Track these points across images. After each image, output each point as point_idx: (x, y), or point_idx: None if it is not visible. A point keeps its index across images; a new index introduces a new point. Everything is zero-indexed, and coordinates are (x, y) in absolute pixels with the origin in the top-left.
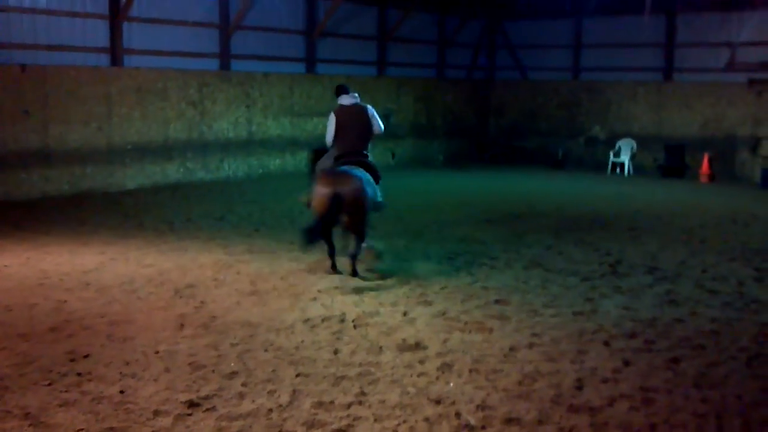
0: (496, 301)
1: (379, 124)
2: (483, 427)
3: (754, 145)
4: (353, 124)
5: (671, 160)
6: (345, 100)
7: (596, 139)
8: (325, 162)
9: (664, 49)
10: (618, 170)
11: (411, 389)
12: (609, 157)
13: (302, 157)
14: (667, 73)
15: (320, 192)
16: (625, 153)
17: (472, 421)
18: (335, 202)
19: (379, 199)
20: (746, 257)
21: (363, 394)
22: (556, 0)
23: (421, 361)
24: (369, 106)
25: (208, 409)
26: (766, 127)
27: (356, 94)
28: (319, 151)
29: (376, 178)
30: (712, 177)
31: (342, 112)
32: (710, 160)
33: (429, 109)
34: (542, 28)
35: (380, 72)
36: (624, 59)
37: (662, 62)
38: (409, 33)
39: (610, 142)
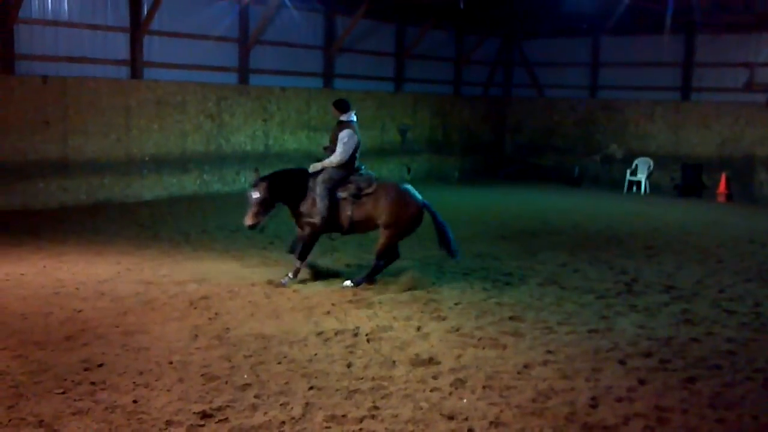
0: (511, 318)
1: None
2: None
3: None
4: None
5: (688, 179)
6: (342, 116)
7: (613, 157)
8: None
9: (682, 68)
10: (635, 189)
11: (424, 404)
12: (626, 176)
13: None
14: (685, 92)
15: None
16: (641, 171)
17: None
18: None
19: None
20: (763, 277)
21: (376, 408)
22: (573, 18)
23: (435, 377)
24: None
25: (220, 420)
26: None
27: (349, 113)
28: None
29: None
30: (729, 197)
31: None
32: (728, 180)
33: (445, 126)
34: (559, 47)
35: (398, 88)
36: (642, 78)
37: (680, 81)
38: (427, 50)
39: (627, 161)
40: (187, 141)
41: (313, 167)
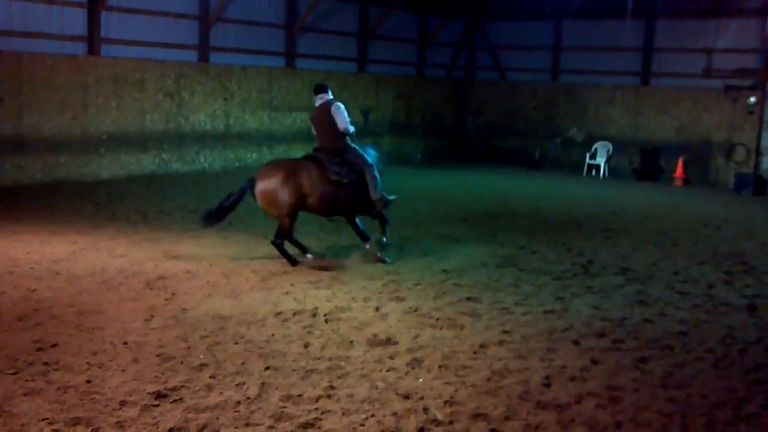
0: (469, 299)
1: (343, 121)
2: (450, 422)
3: (729, 150)
4: (318, 125)
5: (646, 163)
6: (317, 101)
7: (573, 141)
8: None
9: (642, 53)
10: (594, 172)
11: (380, 384)
12: (585, 159)
13: (279, 152)
14: (645, 77)
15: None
16: (601, 155)
17: (440, 416)
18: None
19: None
20: (717, 260)
21: (332, 387)
22: (536, 2)
23: (392, 357)
24: (335, 104)
25: (175, 401)
26: (740, 133)
27: (325, 94)
28: None
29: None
30: (686, 181)
31: (313, 115)
32: (685, 164)
33: (408, 108)
34: (522, 30)
35: (360, 69)
36: (602, 63)
37: (640, 66)
38: (390, 31)
39: (587, 145)
40: (145, 119)
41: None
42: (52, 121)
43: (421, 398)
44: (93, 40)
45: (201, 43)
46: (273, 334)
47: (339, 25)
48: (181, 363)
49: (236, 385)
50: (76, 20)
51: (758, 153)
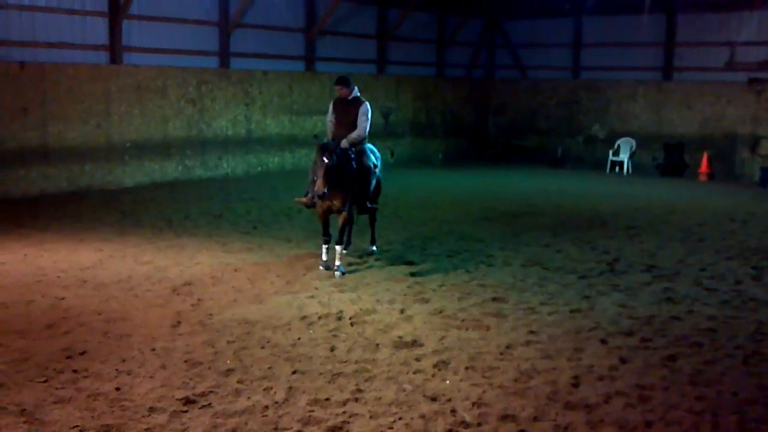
0: (494, 299)
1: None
2: (479, 424)
3: (754, 144)
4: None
5: (670, 158)
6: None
7: (595, 137)
8: None
9: (663, 48)
10: (617, 169)
11: (407, 386)
12: (608, 156)
13: (301, 155)
14: (667, 72)
15: None
16: (624, 152)
17: (468, 418)
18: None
19: None
20: (744, 256)
21: (359, 391)
22: None
23: (418, 359)
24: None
25: (203, 406)
26: (765, 126)
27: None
28: None
29: None
30: (711, 176)
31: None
32: (709, 159)
33: (428, 108)
34: (542, 28)
35: (380, 70)
36: (624, 58)
37: (662, 61)
38: (409, 32)
39: (610, 141)
40: (168, 126)
41: (344, 144)
42: (76, 130)
43: (449, 400)
44: (115, 49)
45: (221, 49)
46: (299, 338)
47: (358, 27)
48: (209, 368)
49: (264, 389)
50: (97, 29)
51: None
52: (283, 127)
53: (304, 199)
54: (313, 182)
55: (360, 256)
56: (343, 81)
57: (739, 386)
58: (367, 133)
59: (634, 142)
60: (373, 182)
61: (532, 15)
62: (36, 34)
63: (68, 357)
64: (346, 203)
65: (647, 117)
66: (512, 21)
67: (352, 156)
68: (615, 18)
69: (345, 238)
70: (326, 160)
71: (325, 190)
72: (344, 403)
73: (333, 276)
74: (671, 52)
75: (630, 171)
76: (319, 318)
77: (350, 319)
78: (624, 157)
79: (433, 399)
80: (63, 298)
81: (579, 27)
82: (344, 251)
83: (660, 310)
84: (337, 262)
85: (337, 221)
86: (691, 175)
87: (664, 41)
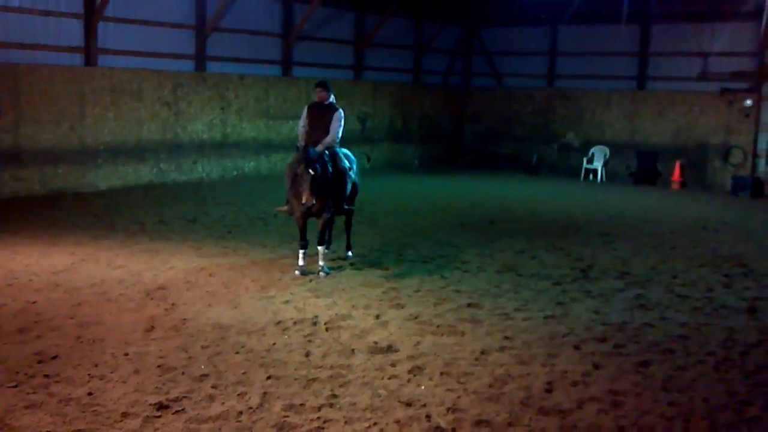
0: (469, 305)
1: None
2: (453, 430)
3: (726, 153)
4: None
5: (644, 167)
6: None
7: (570, 145)
8: None
9: (638, 57)
10: (591, 177)
11: (382, 392)
12: (582, 164)
13: (277, 160)
14: (641, 81)
15: None
16: (598, 160)
17: (443, 424)
18: None
19: None
20: (716, 263)
21: (334, 396)
22: (531, 8)
23: (393, 364)
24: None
25: (177, 411)
26: (736, 135)
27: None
28: None
29: None
30: (683, 184)
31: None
32: (682, 168)
33: (405, 114)
34: (518, 36)
35: (357, 76)
36: (598, 67)
37: (636, 71)
38: (386, 38)
39: (584, 149)
40: (143, 129)
41: (320, 148)
42: (49, 132)
43: (424, 405)
44: (90, 51)
45: (198, 53)
46: (274, 344)
47: (335, 33)
48: (183, 373)
49: (238, 395)
50: (72, 31)
51: (755, 155)
52: (259, 132)
53: (285, 208)
54: (292, 191)
55: (335, 260)
56: (323, 85)
57: (711, 392)
58: (339, 139)
59: (608, 150)
60: (349, 184)
61: (509, 23)
62: (9, 35)
63: (40, 361)
64: (326, 206)
65: (621, 125)
66: (489, 29)
67: (327, 160)
68: (590, 27)
69: (326, 238)
70: (312, 172)
71: (314, 201)
72: (319, 409)
73: (309, 281)
74: (645, 61)
75: (604, 179)
76: (294, 323)
77: (325, 324)
78: (598, 164)
79: (408, 404)
80: (35, 302)
81: (555, 36)
82: (326, 250)
83: (633, 316)
84: (321, 263)
85: (317, 224)
86: (664, 184)
87: (638, 51)
